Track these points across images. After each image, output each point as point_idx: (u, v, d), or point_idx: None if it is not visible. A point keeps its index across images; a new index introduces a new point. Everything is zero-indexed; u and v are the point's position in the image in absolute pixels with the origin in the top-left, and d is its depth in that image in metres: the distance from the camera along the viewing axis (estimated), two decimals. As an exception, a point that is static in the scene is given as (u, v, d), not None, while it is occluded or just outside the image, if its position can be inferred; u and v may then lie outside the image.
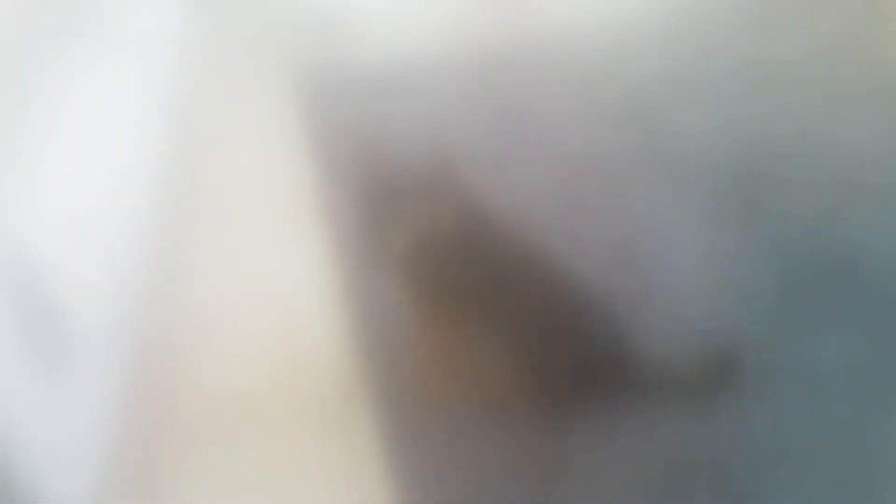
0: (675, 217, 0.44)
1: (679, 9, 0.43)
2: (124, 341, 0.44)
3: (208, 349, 0.43)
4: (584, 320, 0.44)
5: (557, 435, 0.43)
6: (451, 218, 0.43)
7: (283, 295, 0.43)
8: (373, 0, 0.41)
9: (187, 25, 0.41)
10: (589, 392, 0.44)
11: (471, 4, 0.41)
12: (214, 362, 0.44)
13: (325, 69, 0.41)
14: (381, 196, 0.43)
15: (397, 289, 0.43)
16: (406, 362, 0.44)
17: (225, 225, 0.42)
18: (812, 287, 0.43)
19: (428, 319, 0.44)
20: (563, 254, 0.44)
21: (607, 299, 0.44)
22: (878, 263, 0.44)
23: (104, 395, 0.44)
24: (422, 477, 0.43)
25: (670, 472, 0.43)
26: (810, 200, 0.43)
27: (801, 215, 0.43)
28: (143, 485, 0.44)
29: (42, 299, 0.43)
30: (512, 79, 0.43)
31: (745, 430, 0.43)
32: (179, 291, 0.43)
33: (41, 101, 0.41)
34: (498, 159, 0.43)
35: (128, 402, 0.44)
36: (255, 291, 0.43)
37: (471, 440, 0.43)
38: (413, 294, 0.43)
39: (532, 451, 0.43)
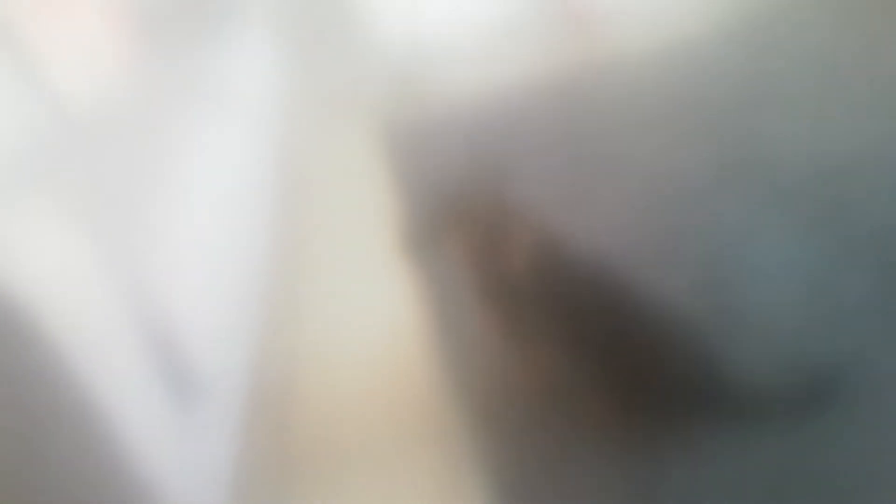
0: (763, 232, 0.43)
1: (755, 28, 0.43)
2: (244, 379, 0.47)
3: (318, 383, 0.46)
4: (676, 340, 0.44)
5: (652, 455, 0.43)
6: (537, 247, 0.44)
7: (383, 329, 0.45)
8: (447, 48, 0.43)
9: (287, 85, 0.44)
10: (684, 412, 0.44)
11: (541, 43, 0.43)
12: (323, 394, 0.47)
13: (407, 113, 0.43)
14: (466, 230, 0.44)
15: (488, 318, 0.45)
16: (501, 387, 0.45)
17: (326, 265, 0.45)
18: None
19: (521, 347, 0.45)
20: (650, 275, 0.44)
21: (698, 318, 0.44)
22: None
23: (228, 427, 0.48)
24: (518, 494, 0.44)
25: (768, 492, 0.42)
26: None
27: (892, 231, 0.42)
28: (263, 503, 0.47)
29: (177, 347, 0.48)
30: (585, 109, 0.44)
31: (840, 449, 0.42)
32: (290, 329, 0.46)
33: (169, 161, 0.45)
34: (578, 187, 0.44)
35: (248, 429, 0.47)
36: (357, 327, 0.45)
37: (565, 460, 0.44)
38: (504, 323, 0.45)
39: (627, 472, 0.43)
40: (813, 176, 0.43)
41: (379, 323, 0.46)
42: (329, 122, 0.45)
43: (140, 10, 0.42)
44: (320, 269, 0.46)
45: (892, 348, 0.42)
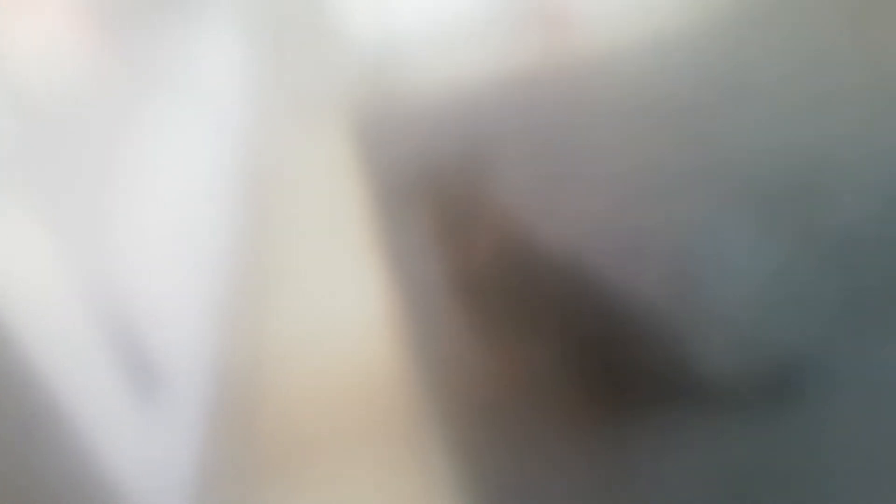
0: (730, 226, 0.44)
1: (725, 25, 0.43)
2: (209, 373, 0.47)
3: (284, 376, 0.46)
4: (645, 333, 0.45)
5: (622, 447, 0.44)
6: (506, 239, 0.44)
7: (351, 321, 0.45)
8: (417, 40, 0.43)
9: (255, 78, 0.44)
10: (649, 403, 0.44)
11: (512, 34, 0.43)
12: (290, 388, 0.46)
13: (377, 106, 0.43)
14: (435, 221, 0.44)
15: (457, 310, 0.45)
16: (470, 380, 0.46)
17: (293, 258, 0.45)
18: (869, 296, 0.43)
19: (490, 339, 0.45)
20: (620, 268, 0.45)
21: (667, 311, 0.45)
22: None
23: (193, 421, 0.47)
24: (488, 487, 0.44)
25: (732, 481, 0.43)
26: (864, 209, 0.43)
27: (856, 225, 0.43)
28: (230, 499, 0.47)
29: (138, 340, 0.47)
30: (556, 102, 0.44)
31: (806, 439, 0.43)
32: (255, 323, 0.45)
33: (134, 156, 0.44)
34: (547, 180, 0.44)
35: (214, 424, 0.47)
36: (324, 320, 0.45)
37: (534, 453, 0.44)
38: (474, 315, 0.45)
39: (596, 463, 0.44)
40: (780, 171, 0.44)
41: (347, 316, 0.45)
42: (298, 114, 0.44)
43: (106, 2, 0.41)
44: (288, 262, 0.45)
45: (858, 341, 0.43)
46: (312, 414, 0.46)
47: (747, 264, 0.44)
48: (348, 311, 0.45)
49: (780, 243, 0.44)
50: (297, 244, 0.45)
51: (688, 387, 0.45)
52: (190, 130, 0.44)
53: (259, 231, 0.45)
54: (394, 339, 0.45)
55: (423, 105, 0.44)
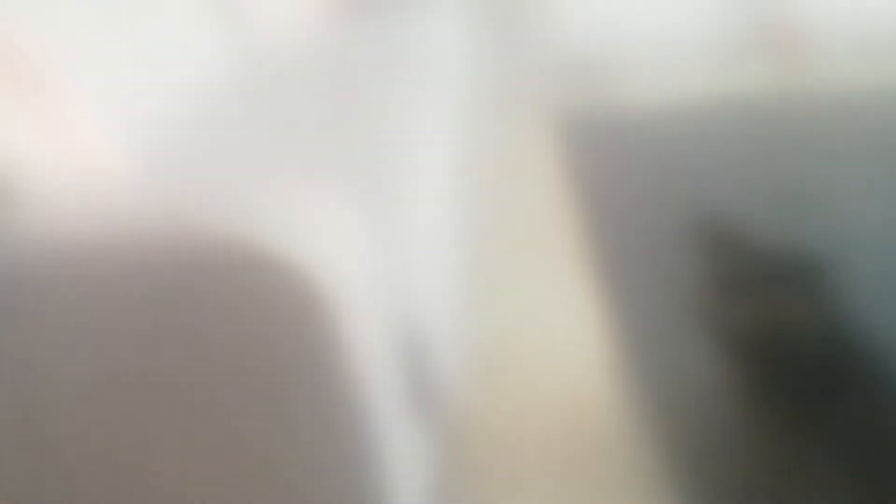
0: None
1: None
2: (452, 376, 0.46)
3: (505, 401, 0.45)
4: None
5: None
6: (729, 255, 0.42)
7: (565, 348, 0.44)
8: (639, 47, 0.43)
9: (474, 68, 0.44)
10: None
11: (736, 56, 0.43)
12: (512, 415, 0.45)
13: (592, 112, 0.43)
14: (654, 247, 0.43)
15: (687, 332, 0.42)
16: (701, 419, 0.42)
17: (507, 271, 0.44)
18: None
19: (728, 371, 0.42)
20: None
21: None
22: None
23: (437, 425, 0.46)
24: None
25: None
26: None
27: None
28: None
29: (424, 363, 0.47)
30: (782, 132, 0.42)
31: None
32: (479, 332, 0.45)
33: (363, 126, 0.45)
34: (772, 216, 0.42)
35: (449, 432, 0.45)
36: (539, 345, 0.44)
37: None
38: (709, 340, 0.42)
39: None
40: None
41: (558, 330, 0.43)
42: (511, 108, 0.44)
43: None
44: (502, 272, 0.44)
45: None
46: (531, 441, 0.44)
47: None
48: (558, 325, 0.44)
49: None
50: (511, 247, 0.44)
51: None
52: (415, 110, 0.44)
53: (477, 231, 0.45)
54: (611, 358, 0.43)
55: (638, 116, 0.42)
